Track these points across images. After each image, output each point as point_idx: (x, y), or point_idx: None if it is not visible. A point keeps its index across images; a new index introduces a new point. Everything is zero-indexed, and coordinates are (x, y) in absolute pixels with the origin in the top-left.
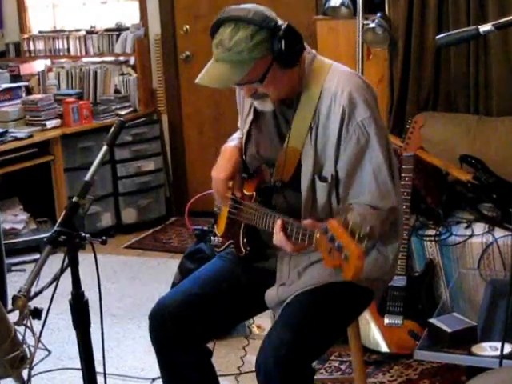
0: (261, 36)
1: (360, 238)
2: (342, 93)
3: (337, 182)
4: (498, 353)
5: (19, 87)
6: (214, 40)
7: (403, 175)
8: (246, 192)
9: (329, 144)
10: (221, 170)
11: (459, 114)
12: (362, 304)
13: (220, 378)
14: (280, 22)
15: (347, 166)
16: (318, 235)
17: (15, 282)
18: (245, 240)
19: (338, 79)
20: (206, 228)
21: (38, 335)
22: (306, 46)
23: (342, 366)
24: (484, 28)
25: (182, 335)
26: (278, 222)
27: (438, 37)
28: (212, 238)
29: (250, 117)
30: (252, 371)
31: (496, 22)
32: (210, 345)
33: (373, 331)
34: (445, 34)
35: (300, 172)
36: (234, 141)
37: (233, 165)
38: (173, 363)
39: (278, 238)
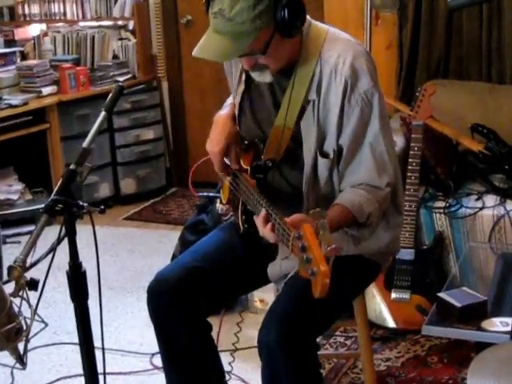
0: (263, 5)
1: (329, 253)
2: (344, 64)
3: (339, 157)
4: (508, 328)
5: (13, 52)
6: (211, 8)
7: (412, 145)
8: (243, 165)
9: (330, 118)
10: (215, 143)
11: (471, 82)
12: (369, 276)
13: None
14: None
15: (350, 140)
16: (292, 241)
17: (10, 255)
18: (243, 217)
19: (337, 49)
20: (211, 194)
21: (34, 307)
22: None
23: (348, 342)
24: None
25: (180, 309)
26: (262, 214)
27: None
28: (218, 205)
29: (242, 87)
30: (249, 347)
31: None
32: (217, 319)
33: (379, 306)
34: None
35: (295, 149)
36: (226, 108)
37: (227, 136)
38: (171, 337)
39: (261, 230)
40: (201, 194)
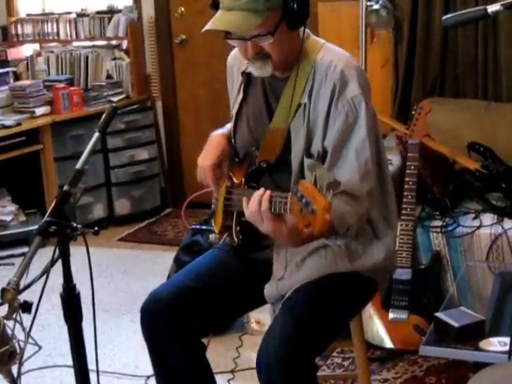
0: None
1: (327, 187)
2: (335, 68)
3: (323, 159)
4: (507, 348)
5: (6, 73)
6: None
7: (408, 163)
8: (235, 180)
9: (318, 120)
10: (207, 157)
11: (467, 100)
12: (366, 295)
13: (216, 376)
14: None
15: (333, 143)
16: (290, 198)
17: (3, 277)
18: (238, 228)
19: (331, 56)
20: (204, 227)
21: (27, 330)
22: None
23: (345, 363)
24: (492, 8)
25: (174, 329)
26: (258, 192)
27: (444, 17)
28: (210, 235)
29: (240, 96)
30: (248, 368)
31: (505, 1)
32: (205, 340)
33: (377, 326)
34: (451, 15)
35: (285, 152)
36: (222, 129)
37: (220, 152)
38: (165, 357)
39: (254, 208)
40: (194, 226)
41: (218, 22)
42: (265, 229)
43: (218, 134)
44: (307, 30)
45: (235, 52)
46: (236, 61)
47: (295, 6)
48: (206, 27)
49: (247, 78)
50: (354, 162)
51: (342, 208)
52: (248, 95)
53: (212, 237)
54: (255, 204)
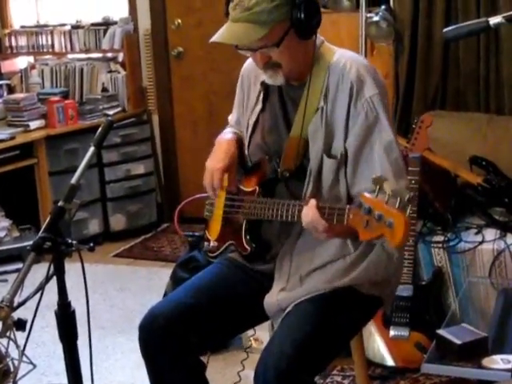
0: (281, 1)
1: (401, 204)
2: (350, 69)
3: (346, 160)
4: (510, 366)
5: (0, 86)
6: (231, 3)
7: (409, 178)
8: (244, 188)
9: (337, 122)
10: (218, 159)
11: (469, 113)
12: (367, 313)
13: None
14: None
15: (355, 143)
16: (349, 210)
17: None
18: (248, 237)
19: (345, 58)
20: (197, 233)
21: (22, 348)
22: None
23: (345, 381)
24: (494, 20)
25: (173, 347)
26: (312, 201)
27: (445, 30)
28: (205, 243)
29: (259, 106)
30: None
31: (507, 14)
32: (204, 358)
33: (377, 344)
34: (453, 27)
35: (302, 158)
36: (229, 134)
37: (231, 156)
38: (163, 374)
39: (311, 214)
40: (186, 233)
41: (222, 33)
42: (319, 236)
43: (227, 139)
44: (322, 37)
45: (248, 62)
46: (253, 69)
47: (303, 16)
48: (212, 39)
49: (266, 88)
50: (384, 160)
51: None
52: (266, 106)
53: (208, 245)
54: (312, 214)
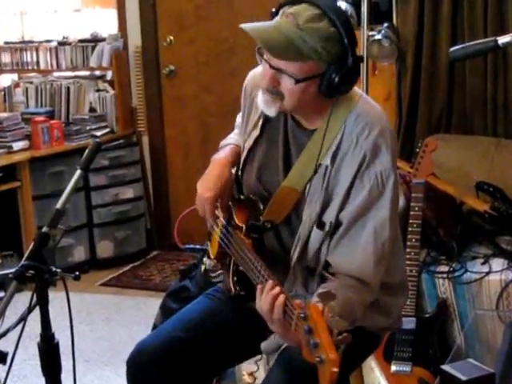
0: (332, 47)
1: (338, 339)
2: (368, 136)
3: (334, 231)
4: None
5: None
6: (286, 6)
7: (412, 204)
8: (237, 221)
9: (338, 189)
10: (208, 186)
11: (475, 137)
12: (367, 349)
13: None
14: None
15: (350, 218)
16: (296, 320)
17: None
18: (235, 279)
19: (366, 119)
20: (198, 246)
21: (2, 382)
22: None
23: None
24: (504, 40)
25: (162, 381)
26: (269, 285)
27: (451, 49)
28: (205, 259)
29: (257, 132)
30: None
31: None
32: None
33: (378, 379)
34: (459, 47)
35: (296, 212)
36: (227, 149)
37: (223, 183)
38: None
39: (264, 303)
40: (187, 246)
41: (258, 29)
42: (272, 327)
43: (222, 159)
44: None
45: (256, 71)
46: (256, 82)
47: (336, 79)
48: (246, 27)
49: (266, 116)
50: (370, 243)
51: (352, 299)
52: (264, 134)
53: (207, 262)
54: (267, 304)
